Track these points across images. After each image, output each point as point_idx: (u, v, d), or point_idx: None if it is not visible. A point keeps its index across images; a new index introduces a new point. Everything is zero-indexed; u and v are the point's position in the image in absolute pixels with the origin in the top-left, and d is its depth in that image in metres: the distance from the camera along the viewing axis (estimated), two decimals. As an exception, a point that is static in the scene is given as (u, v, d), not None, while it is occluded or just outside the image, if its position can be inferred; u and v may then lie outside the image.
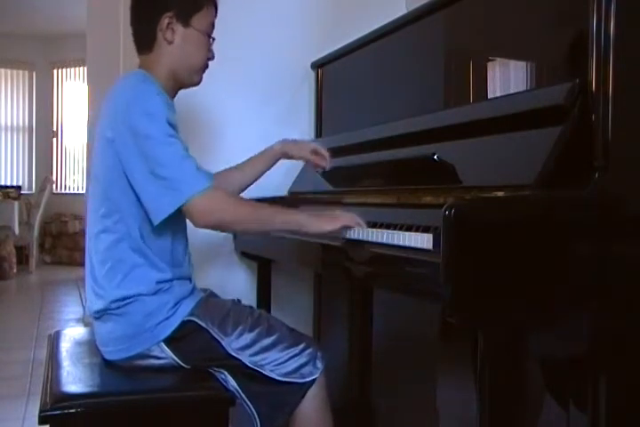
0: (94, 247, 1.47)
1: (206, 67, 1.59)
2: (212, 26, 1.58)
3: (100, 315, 1.46)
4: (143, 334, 1.41)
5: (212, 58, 1.59)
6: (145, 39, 1.53)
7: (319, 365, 1.45)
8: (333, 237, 1.44)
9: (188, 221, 1.45)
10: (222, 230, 1.47)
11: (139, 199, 1.40)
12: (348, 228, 1.40)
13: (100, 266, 1.45)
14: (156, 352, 1.42)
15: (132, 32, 1.57)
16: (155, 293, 1.42)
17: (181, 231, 1.52)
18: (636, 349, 1.15)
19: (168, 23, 1.49)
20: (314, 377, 1.43)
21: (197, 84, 1.61)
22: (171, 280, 1.44)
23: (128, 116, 1.37)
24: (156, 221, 1.38)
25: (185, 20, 1.51)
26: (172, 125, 1.40)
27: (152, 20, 1.50)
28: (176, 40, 1.51)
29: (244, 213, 1.43)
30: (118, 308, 1.42)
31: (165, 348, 1.42)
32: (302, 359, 1.44)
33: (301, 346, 1.45)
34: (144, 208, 1.40)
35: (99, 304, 1.44)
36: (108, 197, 1.43)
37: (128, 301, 1.41)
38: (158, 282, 1.43)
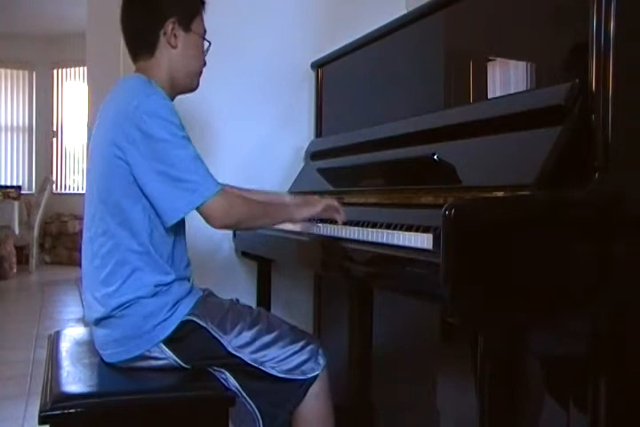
0: (92, 251, 1.45)
1: (201, 72, 1.60)
2: (205, 29, 1.59)
3: (100, 321, 1.45)
4: (142, 336, 1.40)
5: (204, 64, 1.60)
6: (146, 45, 1.52)
7: (321, 361, 1.45)
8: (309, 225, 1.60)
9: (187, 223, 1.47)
10: (237, 229, 1.56)
11: (146, 201, 1.39)
12: (329, 211, 1.52)
13: (98, 271, 1.44)
14: (156, 353, 1.42)
15: (127, 38, 1.54)
16: (153, 295, 1.41)
17: (182, 233, 1.52)
18: (636, 349, 1.15)
19: (172, 28, 1.50)
20: (315, 373, 1.44)
21: (195, 88, 1.61)
22: (170, 282, 1.43)
23: (138, 119, 1.36)
24: (170, 222, 1.39)
25: (186, 25, 1.52)
26: (183, 128, 1.40)
27: (155, 25, 1.50)
28: (179, 45, 1.51)
29: (255, 211, 1.50)
30: (118, 313, 1.41)
31: (165, 348, 1.41)
32: (303, 356, 1.44)
33: (302, 343, 1.45)
34: (155, 210, 1.39)
35: (99, 313, 1.44)
36: (108, 198, 1.42)
37: (127, 304, 1.41)
38: (157, 285, 1.42)
